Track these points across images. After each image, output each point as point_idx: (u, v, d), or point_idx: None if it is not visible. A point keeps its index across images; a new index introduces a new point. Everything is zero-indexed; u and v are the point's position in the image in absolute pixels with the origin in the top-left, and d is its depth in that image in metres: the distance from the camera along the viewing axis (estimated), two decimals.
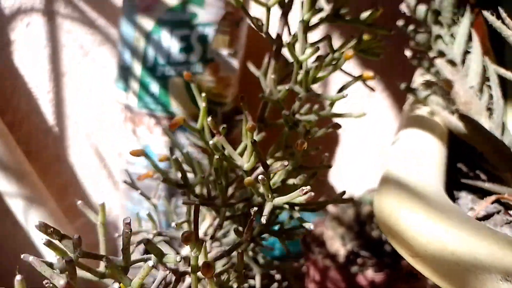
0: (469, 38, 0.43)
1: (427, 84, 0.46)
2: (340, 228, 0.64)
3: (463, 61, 0.43)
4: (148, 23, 0.56)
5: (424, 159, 0.33)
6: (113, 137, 0.78)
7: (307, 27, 0.30)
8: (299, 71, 0.32)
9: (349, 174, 0.85)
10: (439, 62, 0.40)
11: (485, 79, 0.41)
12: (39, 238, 0.72)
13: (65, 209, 0.80)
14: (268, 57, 0.38)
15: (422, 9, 0.45)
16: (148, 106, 0.59)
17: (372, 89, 0.40)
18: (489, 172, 0.40)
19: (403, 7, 0.48)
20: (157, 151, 0.60)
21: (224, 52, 0.60)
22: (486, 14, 0.36)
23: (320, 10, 0.32)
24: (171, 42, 0.56)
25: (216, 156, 0.30)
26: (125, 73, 0.60)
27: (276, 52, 0.34)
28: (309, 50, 0.29)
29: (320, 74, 0.31)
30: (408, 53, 0.45)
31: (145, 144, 0.60)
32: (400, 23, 0.46)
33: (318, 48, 0.29)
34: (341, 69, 0.37)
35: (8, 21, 0.71)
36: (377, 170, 0.87)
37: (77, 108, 0.76)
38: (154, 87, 0.58)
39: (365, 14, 0.34)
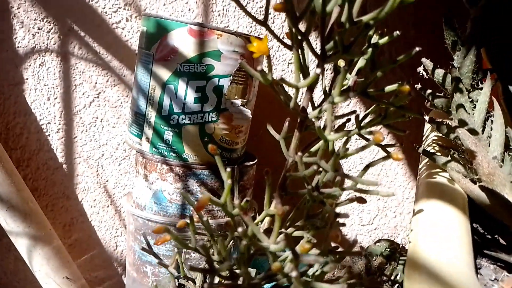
0: (489, 105, 0.43)
1: (445, 148, 0.46)
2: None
3: (483, 128, 0.43)
4: (164, 73, 0.56)
5: (451, 236, 0.33)
6: (123, 177, 0.78)
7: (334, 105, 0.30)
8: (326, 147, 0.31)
9: (354, 218, 0.85)
10: (461, 132, 0.39)
11: (507, 148, 0.41)
12: (41, 276, 0.70)
13: (71, 245, 0.79)
14: (288, 122, 0.37)
15: (440, 72, 0.46)
16: (161, 152, 0.59)
17: (388, 153, 0.39)
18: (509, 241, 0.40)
19: (420, 70, 0.48)
20: (169, 197, 0.59)
21: (238, 101, 0.60)
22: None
23: (348, 89, 0.32)
24: (186, 92, 0.56)
25: (244, 242, 0.29)
26: (139, 119, 0.60)
27: (301, 123, 0.34)
28: (337, 134, 0.29)
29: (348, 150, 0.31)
30: (426, 117, 0.45)
31: (156, 189, 0.60)
32: (418, 86, 0.47)
33: (348, 133, 0.29)
34: (365, 138, 0.37)
35: (22, 60, 0.71)
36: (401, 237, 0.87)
37: (87, 147, 0.75)
38: (168, 134, 0.58)
39: (391, 88, 0.34)
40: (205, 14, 0.73)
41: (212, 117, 0.58)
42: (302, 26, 0.29)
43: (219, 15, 0.74)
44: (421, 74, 0.47)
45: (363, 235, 0.86)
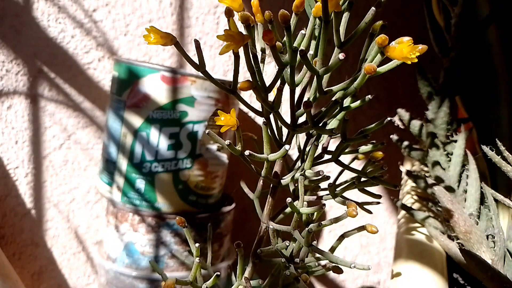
0: (464, 158, 0.43)
1: (424, 199, 0.45)
2: None
3: (459, 181, 0.42)
4: (136, 120, 0.55)
5: None
6: (95, 222, 0.75)
7: (306, 176, 0.29)
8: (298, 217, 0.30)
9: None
10: (437, 189, 0.39)
11: (482, 202, 0.40)
12: None
13: None
14: (262, 181, 0.36)
15: (416, 123, 0.45)
16: (133, 202, 0.57)
17: (369, 211, 0.38)
18: None
19: (396, 120, 0.47)
20: (141, 249, 0.57)
21: (213, 146, 0.58)
22: (486, 149, 0.36)
23: (321, 156, 0.31)
24: (159, 139, 0.55)
25: None
26: (109, 166, 0.58)
27: (273, 189, 0.33)
28: (310, 208, 0.28)
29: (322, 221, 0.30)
30: (403, 169, 0.44)
31: (128, 240, 0.57)
32: (394, 137, 0.46)
33: (323, 206, 0.28)
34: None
35: None
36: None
37: (57, 191, 0.72)
38: (140, 183, 0.56)
39: (366, 150, 0.33)
40: (180, 54, 0.72)
41: (186, 164, 0.56)
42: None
43: (194, 54, 0.73)
44: (396, 124, 0.47)
45: (347, 273, 0.84)
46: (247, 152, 0.27)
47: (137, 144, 0.55)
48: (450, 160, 0.42)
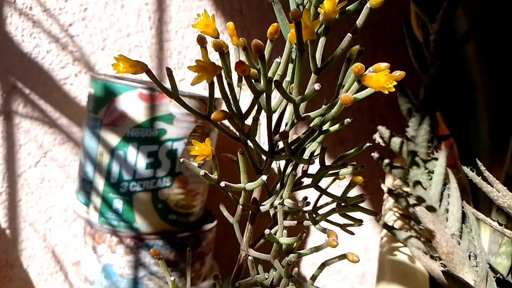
0: (445, 176, 0.42)
1: (406, 217, 0.45)
2: None
3: (441, 200, 0.42)
4: (113, 139, 0.53)
5: None
6: (73, 240, 0.73)
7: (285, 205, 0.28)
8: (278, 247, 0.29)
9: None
10: (419, 210, 0.38)
11: (463, 221, 0.40)
12: None
13: None
14: (241, 206, 0.35)
15: (397, 141, 0.45)
16: (110, 222, 0.55)
17: (351, 232, 0.38)
18: None
19: (376, 137, 0.47)
20: (120, 271, 0.55)
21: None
22: (467, 170, 0.35)
23: (301, 181, 0.30)
24: (137, 158, 0.53)
25: None
26: (86, 186, 0.56)
27: (253, 216, 0.32)
28: (289, 239, 0.27)
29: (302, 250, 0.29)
30: (384, 188, 0.44)
31: (106, 262, 0.55)
32: (375, 155, 0.46)
33: (303, 234, 0.27)
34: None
35: None
36: None
37: (33, 210, 0.70)
38: (118, 203, 0.55)
39: (346, 172, 0.32)
40: (160, 68, 0.71)
41: (166, 182, 0.55)
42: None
43: (174, 68, 0.71)
44: (377, 142, 0.46)
45: (331, 285, 0.84)
46: (223, 183, 0.26)
47: (114, 163, 0.54)
48: (431, 179, 0.42)
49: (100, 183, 0.55)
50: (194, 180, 0.57)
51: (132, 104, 0.53)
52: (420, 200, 0.40)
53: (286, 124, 0.29)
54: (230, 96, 0.25)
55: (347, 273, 0.84)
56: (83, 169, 0.57)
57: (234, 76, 0.26)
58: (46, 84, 0.67)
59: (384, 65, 0.26)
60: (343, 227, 0.37)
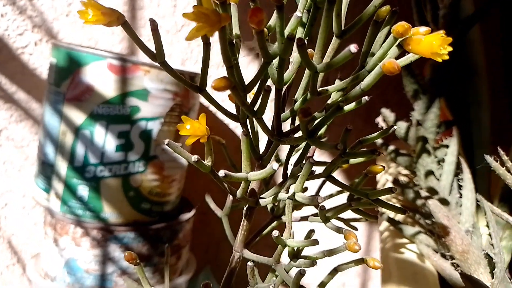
0: (457, 166, 0.38)
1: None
2: None
3: (450, 191, 0.38)
4: (78, 116, 0.46)
5: None
6: (33, 229, 0.65)
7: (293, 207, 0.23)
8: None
9: None
10: (432, 203, 0.34)
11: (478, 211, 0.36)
12: None
13: None
14: (231, 197, 0.30)
15: (402, 126, 0.40)
16: (74, 211, 0.48)
17: (355, 228, 0.33)
18: None
19: (379, 121, 0.42)
20: (85, 267, 0.48)
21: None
22: (489, 159, 0.31)
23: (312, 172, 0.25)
24: (106, 139, 0.47)
25: None
26: (46, 170, 0.49)
27: (250, 211, 0.27)
28: (299, 242, 0.22)
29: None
30: (389, 177, 0.39)
31: (69, 257, 0.49)
32: (379, 141, 0.41)
33: (315, 241, 0.22)
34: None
35: None
36: None
37: None
38: (83, 190, 0.48)
39: (357, 161, 0.27)
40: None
41: (138, 167, 0.49)
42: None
43: (149, 40, 0.64)
44: (380, 126, 0.42)
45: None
46: (222, 173, 0.20)
47: (79, 144, 0.47)
48: (440, 168, 0.37)
49: (62, 166, 0.48)
50: (171, 165, 0.51)
51: (100, 77, 0.46)
52: (431, 192, 0.36)
53: (295, 101, 0.24)
54: (233, 61, 0.19)
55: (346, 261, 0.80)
56: (43, 150, 0.50)
57: None
58: (0, 53, 0.59)
59: (425, 28, 0.21)
60: (347, 222, 0.33)
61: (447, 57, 0.18)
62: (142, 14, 0.63)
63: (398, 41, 0.19)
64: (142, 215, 0.50)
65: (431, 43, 0.18)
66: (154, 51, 0.21)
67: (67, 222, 0.49)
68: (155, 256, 0.50)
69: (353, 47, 0.17)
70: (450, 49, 0.18)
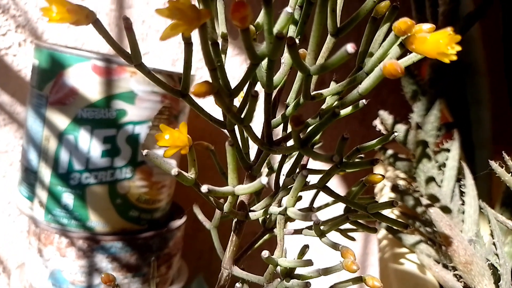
0: (458, 171, 0.36)
1: (408, 216, 0.39)
2: None
3: (451, 197, 0.36)
4: (61, 121, 0.44)
5: None
6: (18, 238, 0.63)
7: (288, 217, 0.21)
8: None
9: None
10: (433, 212, 0.32)
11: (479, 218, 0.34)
12: None
13: None
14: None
15: (401, 129, 0.38)
16: (59, 220, 0.46)
17: (353, 238, 0.31)
18: None
19: (376, 123, 0.40)
20: (71, 278, 0.46)
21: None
22: (495, 165, 0.29)
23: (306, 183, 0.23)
24: (91, 144, 0.45)
25: None
26: (29, 177, 0.47)
27: (239, 225, 0.25)
28: (291, 262, 0.20)
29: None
30: (388, 183, 0.37)
31: (54, 268, 0.47)
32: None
33: (309, 261, 0.20)
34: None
35: None
36: None
37: None
38: (67, 198, 0.46)
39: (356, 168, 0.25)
40: (120, 40, 0.61)
41: (126, 173, 0.47)
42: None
43: (143, 40, 0.62)
44: (378, 130, 0.40)
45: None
46: (205, 188, 0.18)
47: (63, 150, 0.45)
48: (440, 173, 0.36)
49: (46, 173, 0.46)
50: (160, 171, 0.49)
51: (85, 79, 0.44)
52: (433, 199, 0.34)
53: (287, 106, 0.22)
54: (216, 63, 0.17)
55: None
56: (26, 156, 0.48)
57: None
58: None
59: (428, 26, 0.19)
60: (344, 232, 0.31)
61: (455, 58, 0.16)
62: (131, 13, 0.61)
63: (399, 40, 0.17)
64: (130, 224, 0.48)
65: (438, 42, 0.16)
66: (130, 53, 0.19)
67: (51, 232, 0.46)
68: (144, 266, 0.48)
69: (349, 47, 0.15)
70: (459, 48, 0.16)
